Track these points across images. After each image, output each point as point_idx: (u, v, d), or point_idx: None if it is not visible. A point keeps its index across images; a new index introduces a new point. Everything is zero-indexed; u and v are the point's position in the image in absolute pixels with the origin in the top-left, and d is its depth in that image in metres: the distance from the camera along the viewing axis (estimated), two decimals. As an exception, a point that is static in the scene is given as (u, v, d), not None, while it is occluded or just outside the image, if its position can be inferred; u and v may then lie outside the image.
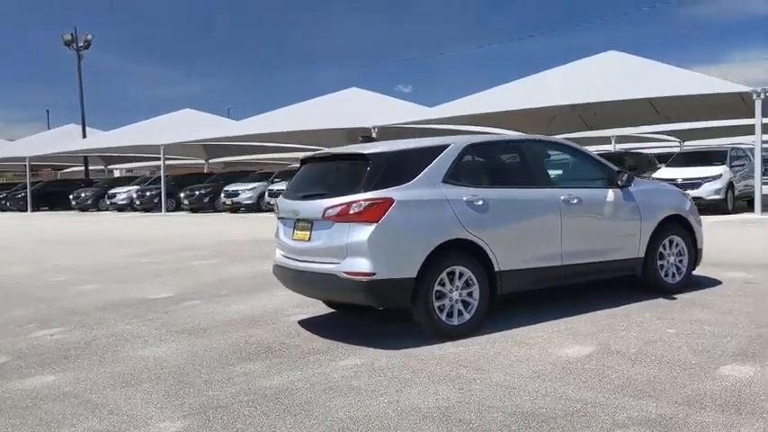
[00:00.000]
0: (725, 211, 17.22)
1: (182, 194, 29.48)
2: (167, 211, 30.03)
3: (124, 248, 14.33)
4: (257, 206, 27.11)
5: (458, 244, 5.71)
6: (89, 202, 34.01)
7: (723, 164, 17.69)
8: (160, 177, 31.01)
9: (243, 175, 30.29)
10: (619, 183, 6.77)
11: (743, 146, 23.03)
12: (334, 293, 5.82)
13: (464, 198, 5.81)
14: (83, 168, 45.00)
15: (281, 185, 25.94)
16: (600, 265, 6.62)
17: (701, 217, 7.67)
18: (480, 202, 5.85)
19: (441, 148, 5.94)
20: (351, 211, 5.47)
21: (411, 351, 5.38)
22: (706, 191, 16.81)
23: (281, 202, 6.35)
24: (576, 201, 6.43)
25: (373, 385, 4.61)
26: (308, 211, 5.86)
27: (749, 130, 31.17)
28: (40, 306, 8.03)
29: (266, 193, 26.32)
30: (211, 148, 38.45)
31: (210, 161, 44.24)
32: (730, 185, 17.45)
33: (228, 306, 7.59)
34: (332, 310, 6.98)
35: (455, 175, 5.88)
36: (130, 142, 32.12)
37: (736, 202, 17.90)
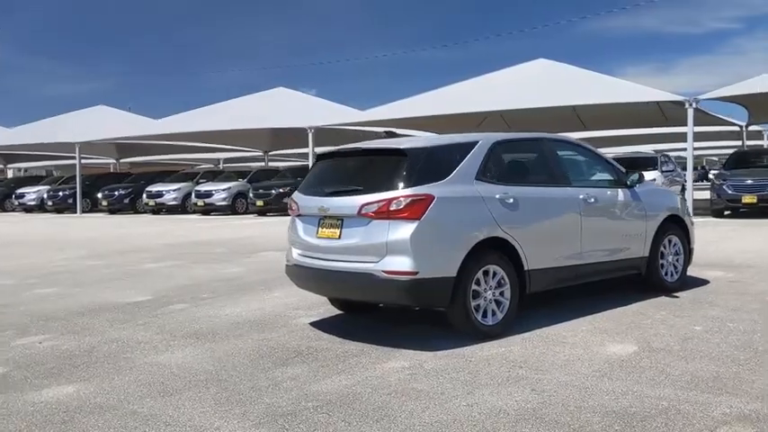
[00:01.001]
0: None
1: (99, 195, 28.12)
2: (83, 211, 28.56)
3: (61, 252, 13.47)
4: (182, 207, 26.18)
5: (491, 243, 5.61)
6: (-6, 202, 31.91)
7: (655, 169, 18.44)
8: (73, 177, 29.45)
9: (165, 175, 29.20)
10: (628, 183, 6.88)
11: (667, 153, 24.14)
12: (369, 293, 5.58)
13: (497, 196, 5.73)
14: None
15: (210, 186, 25.24)
16: (611, 263, 6.69)
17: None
18: (511, 200, 5.78)
19: (471, 145, 5.84)
20: (391, 208, 5.28)
21: (452, 352, 5.24)
22: None
23: (301, 198, 6.06)
24: (592, 200, 6.47)
25: (439, 388, 4.44)
26: (340, 208, 5.61)
27: (662, 138, 32.90)
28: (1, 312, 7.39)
29: (192, 194, 25.44)
30: (124, 146, 36.82)
31: (122, 161, 42.52)
32: (664, 190, 18.20)
33: (220, 309, 7.21)
34: (339, 312, 6.73)
35: (485, 172, 5.79)
36: (41, 139, 30.31)
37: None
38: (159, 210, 26.67)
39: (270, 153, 36.79)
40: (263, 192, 23.44)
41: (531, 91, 20.52)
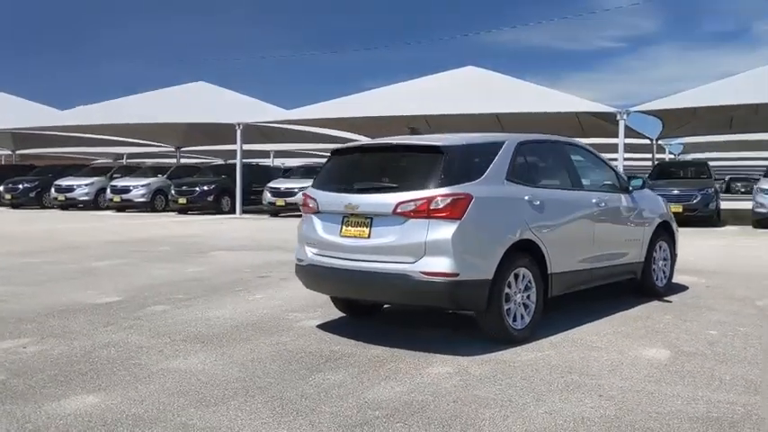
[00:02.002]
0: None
1: (1, 188, 26.23)
2: (-20, 205, 26.59)
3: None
4: (95, 203, 24.82)
5: (521, 245, 5.50)
6: None
7: None
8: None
9: (74, 169, 27.61)
10: (630, 188, 6.95)
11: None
12: (402, 295, 5.33)
13: (525, 197, 5.63)
14: None
15: (128, 182, 24.07)
16: (617, 267, 6.74)
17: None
18: (537, 202, 5.70)
19: (499, 144, 5.71)
20: (432, 207, 5.06)
21: (490, 357, 5.08)
22: None
23: (320, 195, 5.74)
24: (603, 204, 6.50)
25: (502, 395, 4.27)
26: (371, 206, 5.34)
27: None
28: (-34, 312, 6.65)
29: (108, 190, 24.15)
30: (22, 137, 34.52)
31: (18, 152, 39.93)
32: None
33: (207, 312, 6.76)
34: (340, 315, 6.45)
35: (513, 172, 5.68)
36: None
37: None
38: (69, 205, 25.16)
39: (182, 149, 35.50)
40: (187, 189, 22.53)
41: (459, 97, 20.64)
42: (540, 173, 6.17)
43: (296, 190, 21.09)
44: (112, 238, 14.48)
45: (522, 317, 5.53)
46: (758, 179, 19.98)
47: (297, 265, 5.96)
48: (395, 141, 5.85)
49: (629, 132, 23.88)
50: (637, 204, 7.04)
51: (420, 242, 5.08)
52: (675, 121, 21.46)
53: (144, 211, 23.79)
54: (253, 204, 22.80)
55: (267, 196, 21.36)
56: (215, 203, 22.33)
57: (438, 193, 5.10)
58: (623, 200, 6.88)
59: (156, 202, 23.80)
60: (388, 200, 5.24)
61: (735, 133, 25.48)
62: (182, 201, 22.45)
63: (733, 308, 6.83)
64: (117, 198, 23.62)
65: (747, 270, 9.52)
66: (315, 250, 5.74)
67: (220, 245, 12.92)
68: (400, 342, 5.47)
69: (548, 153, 6.37)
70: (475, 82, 21.64)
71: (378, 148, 5.92)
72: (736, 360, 5.00)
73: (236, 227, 17.85)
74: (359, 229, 5.40)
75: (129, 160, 43.29)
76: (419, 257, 5.08)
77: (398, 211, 5.16)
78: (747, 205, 19.05)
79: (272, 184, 21.68)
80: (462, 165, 5.33)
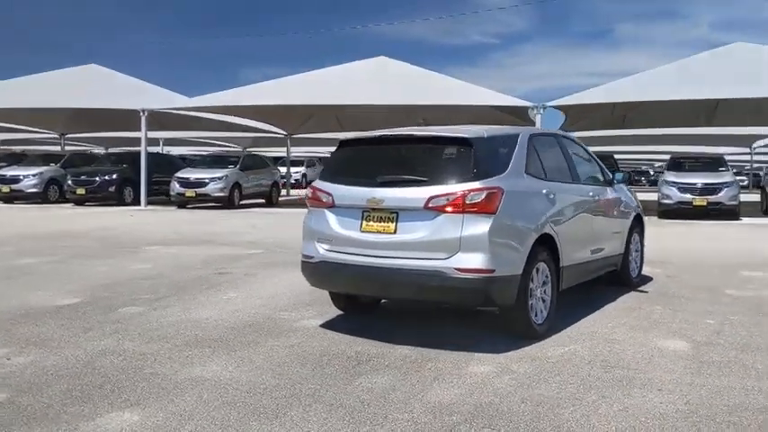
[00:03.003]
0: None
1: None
2: None
3: None
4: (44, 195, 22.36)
5: (541, 239, 5.45)
6: None
7: (728, 170, 19.01)
8: None
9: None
10: (614, 181, 7.07)
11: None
12: (433, 293, 5.11)
13: (543, 191, 5.59)
14: None
15: (16, 170, 22.53)
16: (605, 260, 6.84)
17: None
18: (552, 196, 5.67)
19: (515, 137, 5.62)
20: (467, 201, 4.90)
21: (521, 353, 5.00)
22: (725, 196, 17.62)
23: (335, 188, 5.42)
24: (597, 197, 6.58)
25: (564, 392, 4.20)
26: (399, 201, 5.10)
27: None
28: None
29: (69, 180, 21.59)
30: None
31: None
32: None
33: (189, 313, 6.30)
34: (337, 313, 6.18)
35: (529, 166, 5.61)
36: None
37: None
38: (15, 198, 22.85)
39: (67, 136, 33.34)
40: (87, 179, 21.09)
41: (370, 88, 20.42)
42: (549, 166, 6.13)
43: (206, 180, 20.28)
44: (23, 231, 13.32)
45: (542, 311, 5.48)
46: (662, 172, 20.97)
47: (304, 262, 5.62)
48: (418, 133, 5.63)
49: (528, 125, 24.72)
50: (619, 197, 7.19)
51: (454, 238, 4.91)
52: (577, 116, 22.28)
53: (36, 203, 22.08)
54: (155, 195, 21.68)
55: (175, 187, 20.35)
56: (117, 194, 21.04)
57: (472, 187, 4.94)
58: (610, 193, 7.00)
59: (49, 193, 22.15)
60: (419, 194, 5.03)
61: (627, 129, 26.81)
62: (80, 191, 21.01)
63: (707, 297, 7.09)
64: (6, 188, 21.77)
65: (690, 260, 9.95)
66: (327, 246, 5.43)
67: (148, 239, 12.16)
68: (419, 340, 5.28)
69: (552, 146, 6.35)
70: (389, 72, 21.51)
71: (398, 139, 5.67)
72: (753, 348, 5.17)
73: (149, 220, 16.90)
74: (383, 224, 5.15)
75: (2, 147, 40.20)
76: (452, 254, 4.91)
77: (430, 205, 4.96)
78: (648, 197, 20.03)
79: (180, 175, 20.69)
80: (490, 157, 5.21)
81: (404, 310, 6.46)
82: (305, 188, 39.06)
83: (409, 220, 5.06)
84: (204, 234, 13.24)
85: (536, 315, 5.40)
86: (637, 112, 22.29)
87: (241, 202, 21.22)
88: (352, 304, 6.09)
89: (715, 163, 19.91)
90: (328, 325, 5.85)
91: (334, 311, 6.21)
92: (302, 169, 38.92)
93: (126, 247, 10.93)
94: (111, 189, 20.99)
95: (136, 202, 21.08)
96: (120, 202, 21.06)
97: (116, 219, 16.64)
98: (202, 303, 6.69)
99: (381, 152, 5.68)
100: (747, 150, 38.62)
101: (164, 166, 22.63)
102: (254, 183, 22.08)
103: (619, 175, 7.14)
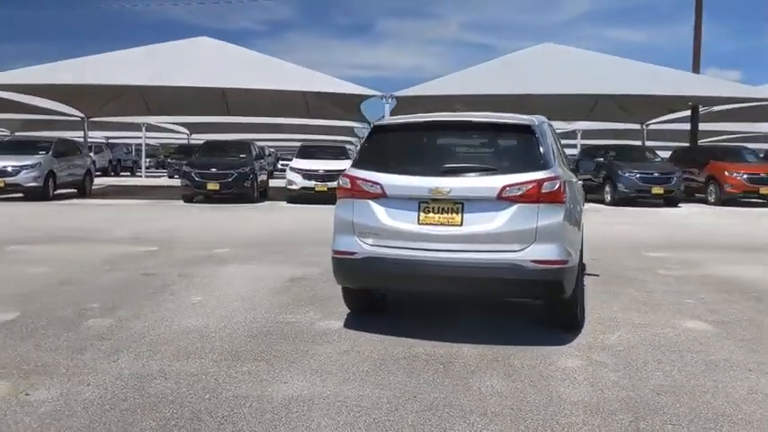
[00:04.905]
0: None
1: None
2: None
3: None
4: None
5: None
6: None
7: (348, 158, 19.25)
8: None
9: None
10: (578, 172, 7.27)
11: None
12: (508, 287, 4.82)
13: (573, 180, 5.58)
14: None
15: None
16: None
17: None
18: (577, 187, 5.70)
19: (545, 124, 5.52)
20: (543, 191, 4.73)
21: (584, 343, 4.99)
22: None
23: (388, 177, 4.93)
24: (581, 188, 6.71)
25: (681, 380, 4.24)
26: (468, 190, 4.77)
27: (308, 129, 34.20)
28: None
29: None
30: None
31: None
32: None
33: (170, 324, 5.49)
34: (344, 311, 5.71)
35: (556, 154, 5.56)
36: None
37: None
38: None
39: None
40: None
41: (194, 68, 19.10)
42: (560, 155, 6.13)
43: (17, 168, 17.78)
44: None
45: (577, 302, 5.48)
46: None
47: (342, 258, 5.07)
48: (476, 119, 5.30)
49: (359, 116, 24.91)
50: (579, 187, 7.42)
51: (530, 229, 4.72)
52: (407, 106, 22.82)
53: None
54: None
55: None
56: None
57: (545, 177, 4.78)
58: (578, 183, 7.19)
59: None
60: (492, 183, 4.76)
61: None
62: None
63: (657, 278, 7.59)
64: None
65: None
66: (372, 240, 4.96)
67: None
68: (469, 338, 5.01)
69: (554, 135, 6.35)
70: (209, 53, 20.31)
71: (452, 125, 5.30)
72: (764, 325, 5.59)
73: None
74: (447, 215, 4.81)
75: None
76: (526, 245, 4.72)
77: (504, 195, 4.72)
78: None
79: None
80: (548, 146, 5.07)
81: (414, 306, 6.11)
82: (112, 176, 35.73)
83: (478, 210, 4.78)
84: (59, 230, 11.64)
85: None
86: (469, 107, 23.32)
87: (55, 193, 18.94)
88: (368, 303, 5.66)
89: (338, 152, 21.09)
90: (351, 326, 5.38)
91: (338, 311, 5.74)
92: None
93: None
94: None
95: None
96: None
97: None
98: (173, 310, 5.84)
99: (434, 139, 5.30)
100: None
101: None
102: (67, 171, 19.82)
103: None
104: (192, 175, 18.07)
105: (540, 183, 4.75)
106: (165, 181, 33.06)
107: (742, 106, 22.61)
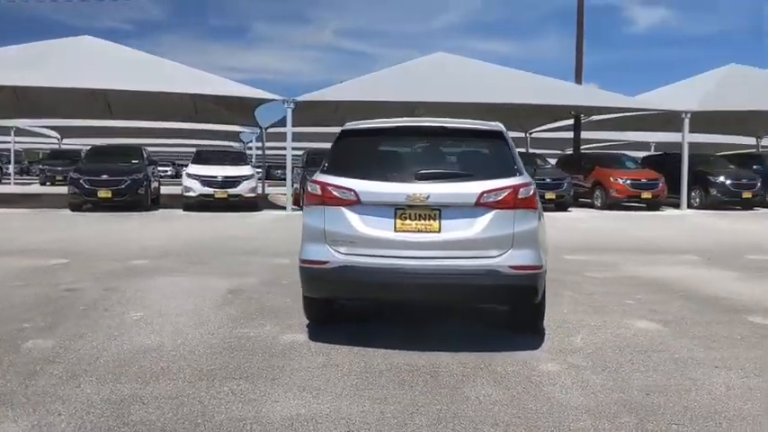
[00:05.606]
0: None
1: None
2: None
3: None
4: None
5: None
6: None
7: (247, 164, 18.75)
8: None
9: None
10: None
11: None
12: (485, 293, 4.77)
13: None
14: None
15: None
16: None
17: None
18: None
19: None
20: (519, 197, 4.74)
21: (554, 347, 5.05)
22: (245, 189, 17.55)
23: (362, 183, 4.76)
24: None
25: (678, 378, 4.37)
26: (446, 196, 4.70)
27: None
28: None
29: None
30: None
31: None
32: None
33: (120, 343, 5.10)
34: (303, 322, 5.52)
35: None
36: None
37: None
38: None
39: None
40: None
41: (68, 68, 17.96)
42: None
43: None
44: None
45: (540, 308, 5.54)
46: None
47: (309, 268, 4.88)
48: (449, 124, 5.20)
49: (253, 120, 24.43)
50: None
51: (507, 234, 4.72)
52: (301, 111, 22.57)
53: None
54: None
55: None
56: None
57: (521, 182, 4.80)
58: None
59: None
60: (469, 189, 4.71)
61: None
62: None
63: (587, 280, 7.85)
64: None
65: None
66: (346, 249, 4.80)
67: None
68: (443, 345, 4.95)
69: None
70: (91, 52, 19.23)
71: (423, 130, 5.19)
72: (713, 322, 5.88)
73: None
74: (425, 222, 4.72)
75: None
76: (504, 251, 4.72)
77: (482, 201, 4.70)
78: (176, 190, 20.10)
79: None
80: (516, 152, 5.10)
81: (375, 313, 5.98)
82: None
83: (455, 217, 4.73)
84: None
85: (541, 310, 5.46)
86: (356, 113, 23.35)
87: None
88: (329, 314, 5.49)
89: (237, 157, 20.47)
90: (317, 338, 5.18)
91: (294, 323, 5.55)
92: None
93: None
94: None
95: None
96: None
97: None
98: (116, 328, 5.43)
99: (407, 144, 5.19)
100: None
101: None
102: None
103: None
104: (81, 182, 17.02)
105: (516, 189, 4.77)
106: (38, 188, 30.95)
107: (619, 116, 24.05)
